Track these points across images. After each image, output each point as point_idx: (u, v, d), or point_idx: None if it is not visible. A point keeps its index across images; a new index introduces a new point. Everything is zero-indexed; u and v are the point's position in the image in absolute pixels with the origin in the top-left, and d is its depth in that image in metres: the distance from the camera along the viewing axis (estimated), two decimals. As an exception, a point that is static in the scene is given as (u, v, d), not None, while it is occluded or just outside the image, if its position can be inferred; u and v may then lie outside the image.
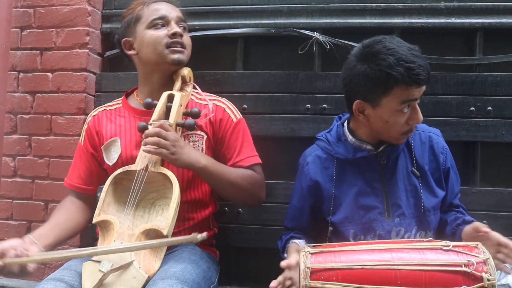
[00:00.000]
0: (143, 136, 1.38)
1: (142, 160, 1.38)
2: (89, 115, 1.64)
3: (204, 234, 1.20)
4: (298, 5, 1.91)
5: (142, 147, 1.37)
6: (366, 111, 1.34)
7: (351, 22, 1.87)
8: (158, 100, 1.47)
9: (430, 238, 1.18)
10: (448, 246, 1.09)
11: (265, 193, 1.58)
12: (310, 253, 1.13)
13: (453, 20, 1.83)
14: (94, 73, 1.99)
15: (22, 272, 1.25)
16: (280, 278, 1.17)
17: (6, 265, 1.22)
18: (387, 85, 1.25)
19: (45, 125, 1.96)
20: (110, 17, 2.04)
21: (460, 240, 1.26)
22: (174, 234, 1.36)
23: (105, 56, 2.05)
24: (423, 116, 1.65)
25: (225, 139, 1.53)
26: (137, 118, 1.54)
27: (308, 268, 1.09)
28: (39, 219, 1.93)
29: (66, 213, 1.53)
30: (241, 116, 1.58)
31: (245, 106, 1.83)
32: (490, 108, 1.74)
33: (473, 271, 1.04)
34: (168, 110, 1.45)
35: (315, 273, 1.09)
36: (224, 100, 1.59)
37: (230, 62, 1.97)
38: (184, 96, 1.51)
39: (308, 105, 1.82)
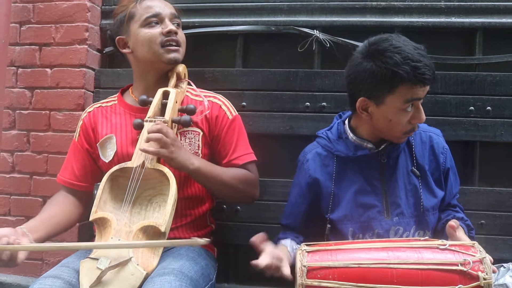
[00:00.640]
0: (146, 133, 1.37)
1: (139, 157, 1.37)
2: (84, 111, 1.64)
3: (208, 239, 1.24)
4: (298, 2, 1.90)
5: (139, 146, 1.37)
6: (369, 108, 1.33)
7: (351, 21, 1.87)
8: (153, 97, 1.46)
9: (427, 237, 1.18)
10: (445, 245, 1.09)
11: (259, 190, 1.58)
12: (306, 252, 1.14)
13: (453, 19, 1.82)
14: (93, 69, 1.99)
15: (11, 261, 1.24)
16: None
17: None
18: (393, 83, 1.25)
19: (44, 121, 1.96)
20: (110, 13, 2.02)
21: (446, 236, 1.26)
22: (172, 230, 1.36)
23: (104, 52, 2.04)
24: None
25: (221, 136, 1.53)
26: (132, 115, 1.54)
27: (304, 266, 1.09)
28: (60, 235, 1.92)
29: (59, 207, 1.52)
30: (237, 113, 1.58)
31: (244, 103, 1.83)
32: (489, 107, 1.74)
33: (469, 270, 1.04)
34: (163, 107, 1.45)
35: (312, 272, 1.09)
36: (219, 96, 1.59)
37: (230, 60, 1.97)
38: (179, 92, 1.50)
39: (308, 103, 1.82)
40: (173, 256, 1.34)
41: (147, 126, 1.39)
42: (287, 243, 1.41)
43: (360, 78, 1.31)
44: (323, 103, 1.81)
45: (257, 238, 1.23)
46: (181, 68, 1.55)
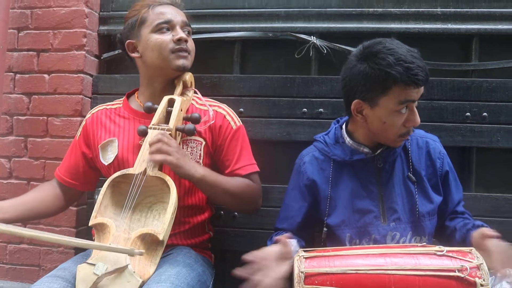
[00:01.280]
0: (148, 144, 1.37)
1: (141, 164, 1.37)
2: (89, 112, 1.64)
3: (142, 251, 1.20)
4: (295, 9, 1.91)
5: (142, 153, 1.37)
6: (364, 111, 1.34)
7: (348, 27, 1.88)
8: (158, 103, 1.46)
9: (424, 243, 1.18)
10: (442, 251, 1.10)
11: (261, 201, 1.58)
12: (304, 258, 1.14)
13: (450, 26, 1.84)
14: (91, 75, 1.99)
15: None
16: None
17: None
18: (386, 84, 1.26)
19: (41, 126, 1.96)
20: (107, 19, 2.04)
21: (470, 245, 1.26)
22: (170, 237, 1.36)
23: (102, 58, 2.04)
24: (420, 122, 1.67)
25: (224, 146, 1.53)
26: (136, 120, 1.54)
27: (302, 272, 1.10)
28: (34, 221, 1.92)
29: (39, 195, 1.55)
30: (241, 123, 1.58)
31: (241, 109, 1.84)
32: (485, 113, 1.75)
33: (466, 276, 1.04)
34: (168, 114, 1.45)
35: (309, 278, 1.09)
36: (224, 106, 1.59)
37: (227, 66, 1.98)
38: (185, 101, 1.51)
39: (305, 109, 1.82)
40: (169, 263, 1.33)
41: (151, 133, 1.39)
42: (293, 243, 1.37)
43: (354, 80, 1.32)
44: (320, 109, 1.82)
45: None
46: (188, 76, 1.55)
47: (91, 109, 1.65)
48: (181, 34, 1.50)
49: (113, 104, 1.62)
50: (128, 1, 2.00)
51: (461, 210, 1.45)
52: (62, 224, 1.88)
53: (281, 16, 1.92)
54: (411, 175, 1.40)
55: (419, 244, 1.17)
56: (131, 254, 1.18)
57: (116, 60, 2.01)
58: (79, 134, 1.61)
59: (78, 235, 1.91)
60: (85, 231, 1.91)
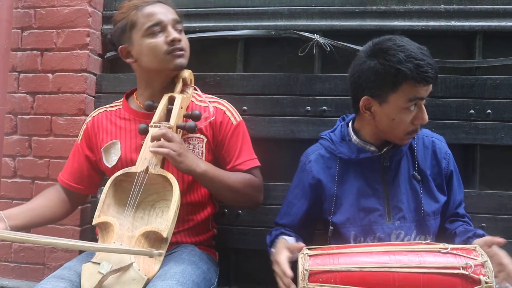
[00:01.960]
0: (150, 138, 1.38)
1: (143, 162, 1.38)
2: (89, 116, 1.64)
3: (162, 251, 1.23)
4: (299, 7, 1.91)
5: (150, 148, 1.36)
6: (372, 108, 1.33)
7: (351, 25, 1.88)
8: (158, 102, 1.47)
9: (429, 241, 1.18)
10: (446, 248, 1.10)
11: (263, 195, 1.58)
12: (308, 255, 1.14)
13: (453, 23, 1.83)
14: (95, 74, 2.00)
15: None
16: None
17: None
18: (396, 81, 1.26)
19: (45, 125, 1.97)
20: (111, 18, 2.01)
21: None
22: (174, 235, 1.36)
23: (105, 57, 2.05)
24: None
25: (224, 142, 1.53)
26: (137, 120, 1.54)
27: (306, 270, 1.10)
28: (41, 226, 1.93)
29: (46, 200, 1.55)
30: (241, 119, 1.58)
31: (245, 107, 1.84)
32: (489, 111, 1.74)
33: (471, 274, 1.04)
34: (169, 112, 1.45)
35: (314, 275, 1.09)
36: (224, 102, 1.59)
37: (231, 64, 1.97)
38: (185, 98, 1.51)
39: (308, 107, 1.82)
40: (174, 261, 1.34)
41: (152, 131, 1.40)
42: (292, 241, 1.37)
43: (364, 77, 1.32)
44: (323, 107, 1.82)
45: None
46: (187, 74, 1.55)
47: (95, 108, 1.65)
48: (173, 34, 1.48)
49: (113, 106, 1.62)
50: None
51: (462, 212, 1.45)
52: (66, 223, 1.88)
53: (284, 14, 1.92)
54: (416, 174, 1.39)
55: (423, 242, 1.17)
56: (150, 255, 1.19)
57: (119, 59, 1.99)
58: (80, 137, 1.61)
59: (82, 233, 1.91)
60: (89, 229, 1.92)
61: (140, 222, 1.35)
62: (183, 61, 1.51)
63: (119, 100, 1.64)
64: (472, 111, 1.75)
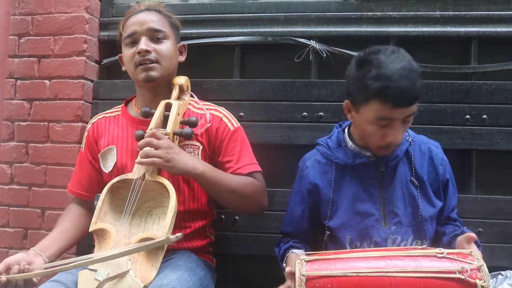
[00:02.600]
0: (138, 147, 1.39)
1: (139, 169, 1.38)
2: (89, 123, 1.65)
3: (179, 234, 1.22)
4: (295, 13, 1.92)
5: (136, 160, 1.37)
6: (351, 113, 1.35)
7: (347, 31, 1.89)
8: (155, 109, 1.47)
9: (425, 246, 1.18)
10: (442, 253, 1.10)
11: (267, 199, 1.57)
12: (305, 261, 1.14)
13: (449, 28, 1.84)
14: (92, 81, 2.00)
15: (27, 285, 1.32)
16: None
17: (9, 281, 1.28)
18: (366, 96, 1.26)
19: (42, 132, 1.96)
20: (108, 24, 2.05)
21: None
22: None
23: (102, 63, 2.05)
24: (419, 124, 1.68)
25: (222, 148, 1.52)
26: (134, 126, 1.54)
27: (303, 275, 1.10)
28: (36, 227, 1.93)
29: (70, 220, 1.57)
30: (239, 125, 1.58)
31: (242, 114, 1.84)
32: (485, 116, 1.75)
33: (467, 278, 1.04)
34: (165, 118, 1.45)
35: (310, 281, 1.09)
36: (221, 109, 1.59)
37: (227, 70, 1.98)
38: (182, 105, 1.51)
39: (305, 113, 1.83)
40: (171, 267, 1.33)
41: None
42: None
43: (347, 81, 1.34)
44: (320, 113, 1.82)
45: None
46: (184, 80, 1.56)
47: (93, 115, 1.66)
48: (140, 46, 1.47)
49: (111, 112, 1.63)
50: (128, 7, 2.01)
51: (454, 217, 1.45)
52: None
53: (280, 21, 1.93)
54: (414, 179, 1.39)
55: (420, 247, 1.17)
56: (168, 242, 1.21)
57: (116, 66, 2.00)
58: (83, 145, 1.62)
59: (78, 242, 1.90)
60: (86, 236, 1.91)
61: (137, 229, 1.35)
62: (150, 74, 1.49)
63: (118, 106, 1.64)
64: (468, 116, 1.76)
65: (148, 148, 1.34)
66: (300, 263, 1.13)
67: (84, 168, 1.61)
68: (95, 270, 1.23)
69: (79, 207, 1.61)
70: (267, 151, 1.80)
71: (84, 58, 1.95)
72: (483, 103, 1.76)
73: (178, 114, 1.47)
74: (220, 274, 1.66)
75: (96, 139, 1.58)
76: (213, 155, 1.54)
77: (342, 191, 1.41)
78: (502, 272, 1.41)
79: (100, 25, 2.06)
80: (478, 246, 1.35)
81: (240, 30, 1.95)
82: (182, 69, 1.61)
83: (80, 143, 1.70)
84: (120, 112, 1.61)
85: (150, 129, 1.41)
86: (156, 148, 1.33)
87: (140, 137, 1.41)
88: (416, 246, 1.19)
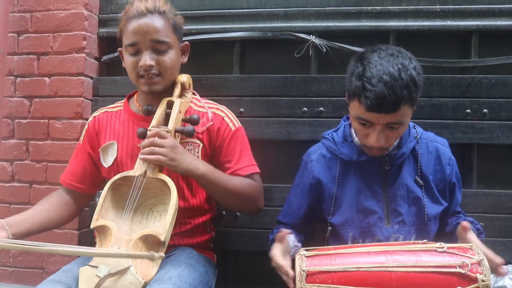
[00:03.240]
0: (141, 146, 1.38)
1: (141, 166, 1.38)
2: (91, 116, 1.64)
3: (162, 254, 1.21)
4: (294, 8, 1.92)
5: (140, 155, 1.37)
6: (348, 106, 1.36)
7: (347, 26, 1.88)
8: (157, 106, 1.47)
9: (425, 241, 1.18)
10: (443, 247, 1.10)
11: (263, 201, 1.57)
12: (305, 256, 1.14)
13: (449, 22, 1.84)
14: (91, 78, 2.00)
15: None
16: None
17: None
18: (350, 93, 1.28)
19: (43, 129, 1.97)
20: (107, 21, 2.04)
21: (456, 238, 1.26)
22: (171, 237, 1.36)
23: (102, 60, 2.05)
24: (420, 119, 1.67)
25: (222, 148, 1.52)
26: (136, 123, 1.54)
27: (303, 271, 1.10)
28: (46, 231, 1.93)
29: (49, 205, 1.55)
30: (240, 125, 1.57)
31: (242, 109, 1.84)
32: (485, 110, 1.75)
33: (467, 272, 1.04)
34: (167, 116, 1.45)
35: (311, 276, 1.09)
36: (223, 108, 1.58)
37: (227, 66, 1.98)
38: (184, 102, 1.51)
39: (305, 109, 1.82)
40: (172, 264, 1.34)
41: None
42: (292, 238, 1.36)
43: (347, 73, 1.34)
44: (320, 108, 1.82)
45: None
46: (186, 78, 1.55)
47: (92, 111, 1.65)
48: (143, 61, 1.44)
49: (114, 107, 1.63)
50: (127, 3, 2.00)
51: (458, 210, 1.46)
52: (64, 227, 1.88)
53: (280, 16, 1.92)
54: (418, 179, 1.38)
55: (420, 242, 1.17)
56: (151, 258, 1.20)
57: (116, 62, 2.01)
58: (82, 138, 1.61)
59: (80, 237, 1.91)
60: (88, 233, 1.92)
61: (138, 225, 1.35)
62: (154, 87, 1.47)
63: (121, 101, 1.64)
64: (469, 110, 1.75)
65: (151, 147, 1.34)
66: (300, 258, 1.13)
67: (80, 160, 1.60)
68: (96, 267, 1.22)
69: (65, 194, 1.59)
70: (267, 146, 1.80)
71: (84, 55, 1.95)
72: (484, 97, 1.76)
73: (180, 112, 1.47)
74: (221, 270, 1.66)
75: (97, 132, 1.58)
76: (213, 154, 1.54)
77: (346, 187, 1.40)
78: (504, 267, 1.40)
79: (99, 22, 2.05)
80: (480, 233, 1.36)
81: (240, 25, 1.94)
82: (181, 65, 1.61)
83: (81, 140, 1.70)
84: (122, 107, 1.61)
85: (152, 127, 1.41)
86: (161, 146, 1.34)
87: (142, 135, 1.41)
88: (417, 241, 1.19)
